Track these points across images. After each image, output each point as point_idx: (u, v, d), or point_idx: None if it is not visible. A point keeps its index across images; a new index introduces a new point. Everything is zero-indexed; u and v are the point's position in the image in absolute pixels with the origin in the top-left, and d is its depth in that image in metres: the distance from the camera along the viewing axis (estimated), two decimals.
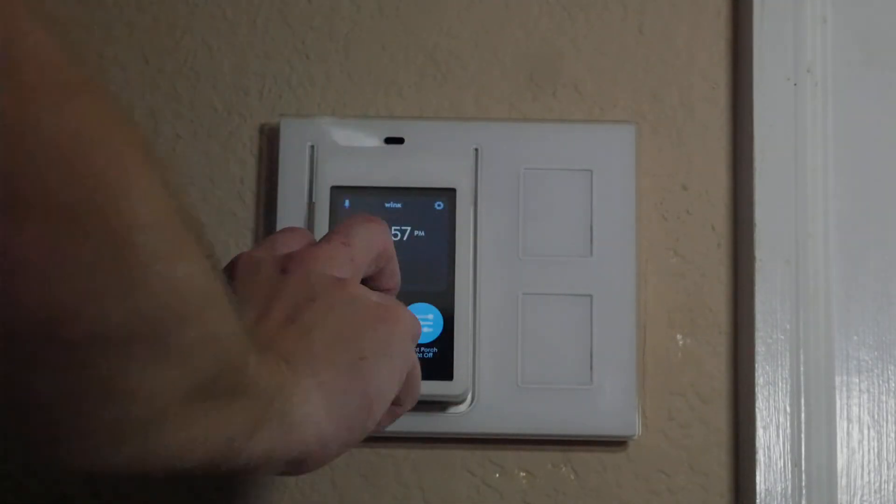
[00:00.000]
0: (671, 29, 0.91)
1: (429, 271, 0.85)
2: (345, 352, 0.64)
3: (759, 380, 0.86)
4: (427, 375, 0.83)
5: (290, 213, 0.87)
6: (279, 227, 0.87)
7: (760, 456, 0.85)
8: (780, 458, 0.85)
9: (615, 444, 0.87)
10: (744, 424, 0.87)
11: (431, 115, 0.90)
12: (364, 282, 0.70)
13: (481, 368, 0.85)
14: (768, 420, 0.86)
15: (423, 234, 0.86)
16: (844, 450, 0.88)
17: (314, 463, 0.63)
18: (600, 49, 0.91)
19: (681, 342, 0.88)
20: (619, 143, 0.88)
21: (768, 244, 0.87)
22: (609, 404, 0.85)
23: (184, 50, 0.91)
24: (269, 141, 0.90)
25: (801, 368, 0.86)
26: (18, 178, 0.42)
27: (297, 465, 0.62)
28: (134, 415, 0.47)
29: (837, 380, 0.88)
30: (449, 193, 0.86)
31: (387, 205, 0.86)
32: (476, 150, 0.88)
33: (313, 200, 0.87)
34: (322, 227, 0.85)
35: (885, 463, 0.88)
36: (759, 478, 0.85)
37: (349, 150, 0.88)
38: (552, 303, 0.86)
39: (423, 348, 0.84)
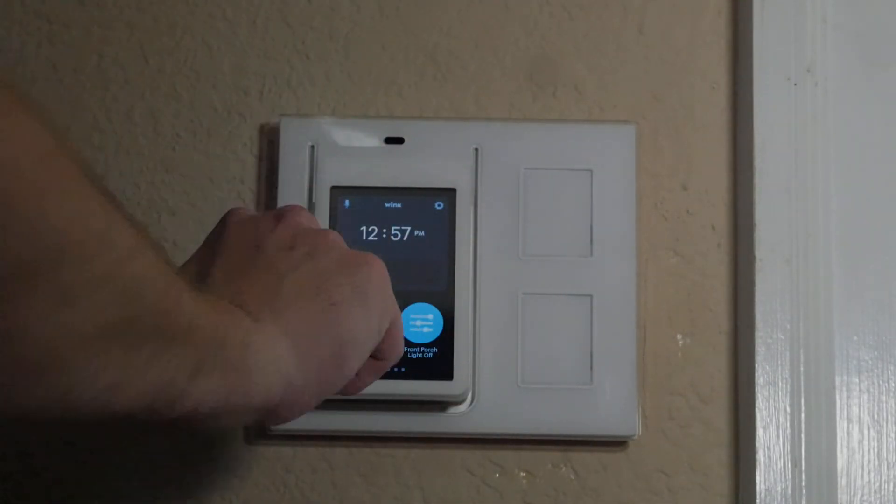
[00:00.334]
0: (671, 29, 0.91)
1: (429, 271, 0.85)
2: (315, 297, 0.63)
3: (759, 380, 0.86)
4: (427, 375, 0.83)
5: None
6: None
7: (760, 456, 0.85)
8: (780, 458, 0.85)
9: (615, 444, 0.87)
10: (744, 424, 0.87)
11: (431, 115, 0.90)
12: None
13: (481, 368, 0.85)
14: (768, 420, 0.86)
15: (423, 234, 0.86)
16: (844, 450, 0.88)
17: (287, 411, 0.62)
18: (600, 49, 0.91)
19: (681, 342, 0.88)
20: (619, 143, 0.88)
21: (768, 244, 0.87)
22: (609, 404, 0.85)
23: (184, 50, 0.91)
24: (269, 141, 0.90)
25: (801, 368, 0.86)
26: None
27: (267, 414, 0.61)
28: (30, 357, 0.47)
29: (837, 380, 0.88)
30: (449, 193, 0.86)
31: (387, 205, 0.86)
32: (476, 150, 0.88)
33: (313, 200, 0.87)
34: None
35: (885, 463, 0.88)
36: (759, 478, 0.85)
37: (349, 150, 0.88)
38: (552, 303, 0.86)
39: (423, 348, 0.84)
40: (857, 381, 0.89)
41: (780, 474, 0.85)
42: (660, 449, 0.87)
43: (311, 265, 0.64)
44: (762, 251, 0.87)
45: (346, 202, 0.86)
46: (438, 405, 0.85)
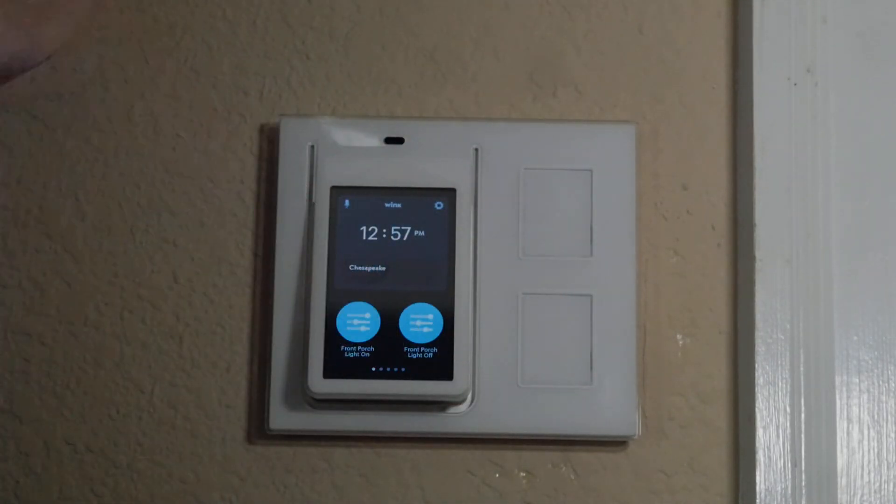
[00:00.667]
0: (671, 29, 0.91)
1: (429, 271, 0.85)
2: None
3: (759, 380, 0.86)
4: (427, 375, 0.84)
5: (289, 212, 0.87)
6: (279, 226, 0.87)
7: (760, 456, 0.85)
8: (780, 458, 0.85)
9: (615, 444, 0.87)
10: (744, 424, 0.87)
11: (431, 115, 0.90)
12: None
13: (481, 368, 0.85)
14: (768, 420, 0.86)
15: (423, 234, 0.86)
16: (844, 450, 0.88)
17: None
18: (600, 49, 0.91)
19: (681, 342, 0.88)
20: (619, 143, 0.88)
21: (768, 244, 0.87)
22: (609, 404, 0.85)
23: (184, 50, 0.91)
24: (269, 141, 0.90)
25: (801, 368, 0.86)
26: None
27: None
28: None
29: (837, 380, 0.88)
30: (449, 193, 0.86)
31: (387, 205, 0.86)
32: (476, 150, 0.88)
33: (313, 200, 0.87)
34: (322, 227, 0.85)
35: (885, 463, 0.88)
36: (759, 478, 0.85)
37: (349, 150, 0.88)
38: (552, 303, 0.86)
39: (423, 348, 0.84)
40: (857, 381, 0.89)
41: (780, 474, 0.85)
42: (660, 449, 0.87)
43: None
44: (762, 251, 0.87)
45: (346, 202, 0.86)
46: (438, 405, 0.85)
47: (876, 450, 0.88)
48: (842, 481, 0.87)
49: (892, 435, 0.88)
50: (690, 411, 0.88)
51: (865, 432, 0.88)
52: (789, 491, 0.85)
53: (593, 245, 0.87)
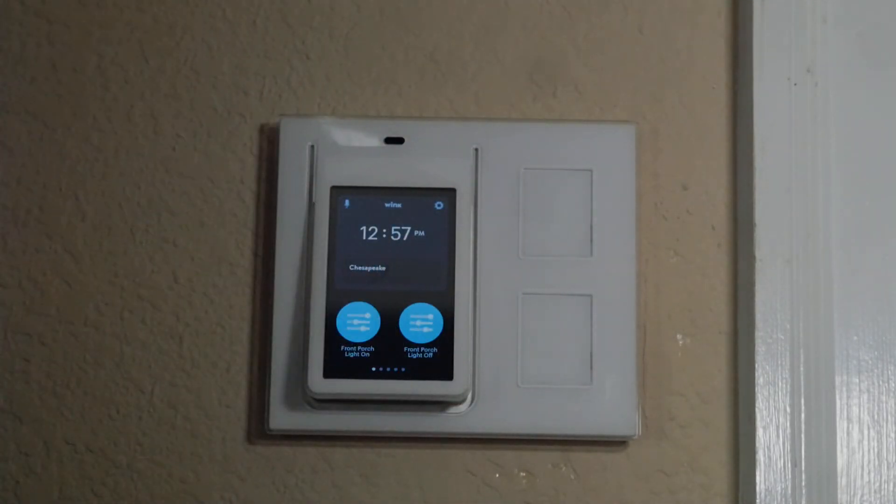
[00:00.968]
0: (671, 29, 0.91)
1: (429, 271, 0.85)
2: None
3: (759, 380, 0.86)
4: (427, 375, 0.84)
5: (290, 213, 0.87)
6: (279, 226, 0.87)
7: (760, 456, 0.85)
8: (780, 458, 0.85)
9: (615, 444, 0.87)
10: (744, 424, 0.87)
11: (431, 115, 0.90)
12: None
13: (481, 368, 0.85)
14: (768, 420, 0.86)
15: (423, 234, 0.86)
16: (844, 450, 0.88)
17: None
18: (600, 49, 0.91)
19: (681, 342, 0.88)
20: (619, 143, 0.88)
21: (768, 244, 0.87)
22: (609, 404, 0.85)
23: (184, 50, 0.91)
24: (269, 141, 0.90)
25: (801, 368, 0.86)
26: None
27: None
28: None
29: (837, 380, 0.88)
30: (449, 193, 0.86)
31: (387, 205, 0.86)
32: (476, 150, 0.88)
33: (313, 200, 0.87)
34: (322, 227, 0.85)
35: (885, 463, 0.88)
36: (759, 478, 0.85)
37: (349, 150, 0.88)
38: (552, 303, 0.86)
39: (423, 348, 0.84)
40: (857, 381, 0.89)
41: (780, 474, 0.85)
42: (660, 449, 0.87)
43: None
44: (762, 251, 0.87)
45: (346, 202, 0.86)
46: (438, 405, 0.85)
47: (876, 450, 0.88)
48: (842, 481, 0.87)
49: (892, 435, 0.88)
50: (690, 411, 0.88)
51: (865, 432, 0.88)
52: (789, 491, 0.85)
53: (593, 245, 0.87)
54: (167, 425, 0.87)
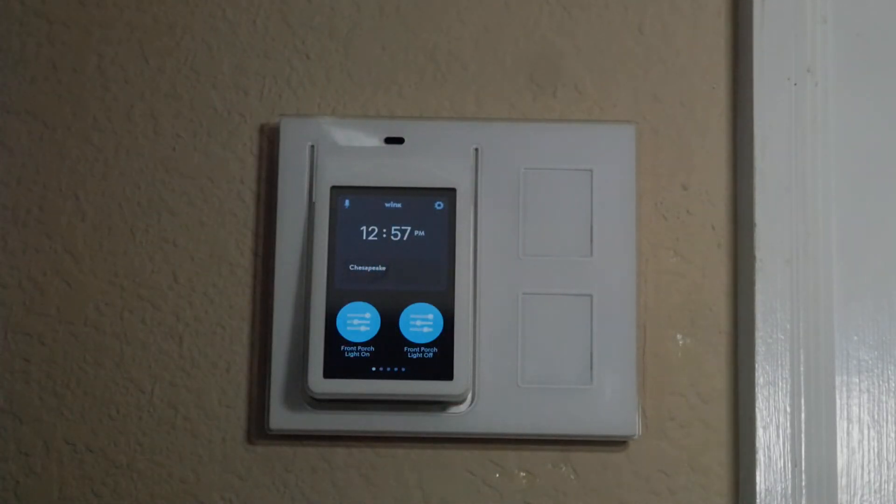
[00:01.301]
0: (671, 29, 0.91)
1: (429, 271, 0.85)
2: None
3: (759, 380, 0.86)
4: (427, 375, 0.84)
5: (290, 213, 0.87)
6: (279, 226, 0.87)
7: (760, 456, 0.85)
8: (780, 458, 0.85)
9: (615, 444, 0.87)
10: (744, 424, 0.87)
11: (431, 115, 0.90)
12: None
13: (481, 368, 0.85)
14: (768, 420, 0.86)
15: (423, 234, 0.86)
16: (844, 450, 0.88)
17: None
18: (600, 49, 0.91)
19: (681, 342, 0.88)
20: (619, 143, 0.88)
21: (768, 244, 0.87)
22: (609, 404, 0.85)
23: (184, 50, 0.91)
24: (269, 141, 0.90)
25: (801, 368, 0.86)
26: None
27: None
28: None
29: (837, 380, 0.88)
30: (449, 193, 0.86)
31: (387, 205, 0.86)
32: (476, 150, 0.88)
33: (313, 200, 0.87)
34: (322, 227, 0.85)
35: (885, 463, 0.88)
36: (759, 478, 0.85)
37: (349, 150, 0.88)
38: (552, 303, 0.86)
39: (423, 348, 0.84)
40: (857, 381, 0.89)
41: (780, 474, 0.85)
42: (660, 449, 0.87)
43: None
44: (762, 251, 0.87)
45: (346, 202, 0.86)
46: (438, 405, 0.85)
47: (876, 450, 0.88)
48: (842, 481, 0.87)
49: (892, 435, 0.88)
50: (690, 411, 0.88)
51: (865, 432, 0.88)
52: (789, 491, 0.85)
53: (593, 245, 0.87)
54: (167, 425, 0.87)
